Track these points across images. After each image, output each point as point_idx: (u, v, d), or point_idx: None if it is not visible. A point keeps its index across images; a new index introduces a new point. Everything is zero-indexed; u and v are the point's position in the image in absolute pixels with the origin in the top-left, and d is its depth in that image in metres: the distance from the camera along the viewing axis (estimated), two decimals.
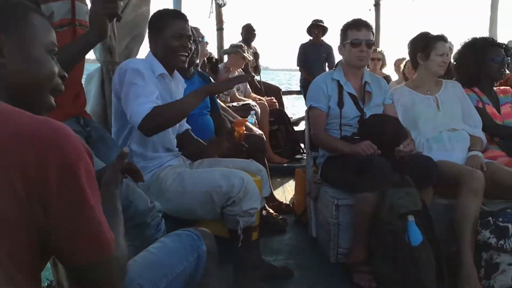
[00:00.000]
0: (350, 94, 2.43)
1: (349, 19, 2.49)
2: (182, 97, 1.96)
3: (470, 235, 2.00)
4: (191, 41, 1.98)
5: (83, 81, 2.06)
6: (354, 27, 2.38)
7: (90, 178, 0.77)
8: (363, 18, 2.47)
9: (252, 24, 5.50)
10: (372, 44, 2.41)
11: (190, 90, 2.50)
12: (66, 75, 0.95)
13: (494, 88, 2.72)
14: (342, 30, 2.45)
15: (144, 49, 2.64)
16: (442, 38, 2.49)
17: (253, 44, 5.55)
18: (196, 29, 2.55)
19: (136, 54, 2.51)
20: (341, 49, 2.47)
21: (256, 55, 5.52)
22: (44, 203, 0.73)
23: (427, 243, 1.89)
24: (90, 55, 2.33)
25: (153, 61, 1.93)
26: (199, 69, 2.90)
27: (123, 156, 1.06)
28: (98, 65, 2.31)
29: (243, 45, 4.55)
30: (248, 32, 5.42)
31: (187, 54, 1.95)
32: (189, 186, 1.85)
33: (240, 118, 3.23)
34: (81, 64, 1.78)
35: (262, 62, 5.77)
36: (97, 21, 1.51)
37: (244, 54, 4.40)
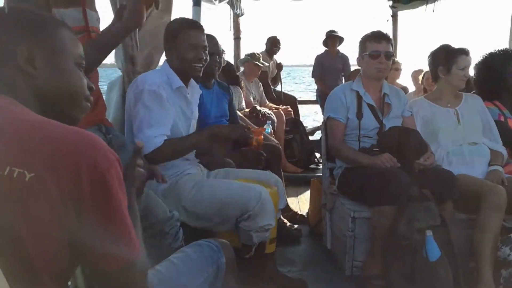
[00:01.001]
0: (369, 105, 2.42)
1: (366, 29, 2.50)
2: (189, 134, 1.97)
3: (490, 251, 1.96)
4: (206, 52, 1.98)
5: (104, 87, 2.10)
6: (373, 39, 2.38)
7: (121, 185, 0.80)
8: (382, 30, 2.47)
9: (278, 37, 5.51)
10: (391, 56, 2.40)
11: (210, 99, 2.55)
12: (94, 87, 0.98)
13: None
14: (361, 42, 2.45)
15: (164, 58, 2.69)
16: (463, 52, 2.47)
17: (276, 57, 5.59)
18: (214, 39, 2.58)
19: (157, 63, 2.54)
20: (359, 60, 2.47)
21: (279, 66, 5.55)
22: (77, 208, 0.75)
23: (445, 259, 1.87)
24: (108, 60, 2.38)
25: (170, 73, 1.94)
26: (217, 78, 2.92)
27: (138, 151, 1.08)
28: (118, 71, 2.35)
29: (256, 53, 4.58)
30: (273, 45, 5.46)
31: (201, 65, 1.95)
32: (206, 195, 1.87)
33: (256, 127, 3.24)
34: (96, 70, 1.80)
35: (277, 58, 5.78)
36: (136, 9, 1.54)
37: (256, 62, 4.42)
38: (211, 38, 2.52)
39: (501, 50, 2.67)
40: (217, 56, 2.51)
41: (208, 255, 1.16)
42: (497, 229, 2.00)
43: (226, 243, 1.23)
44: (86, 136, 0.78)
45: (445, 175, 2.15)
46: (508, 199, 2.04)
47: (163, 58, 2.60)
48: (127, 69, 2.26)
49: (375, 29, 2.47)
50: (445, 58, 2.49)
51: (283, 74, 5.96)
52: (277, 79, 5.62)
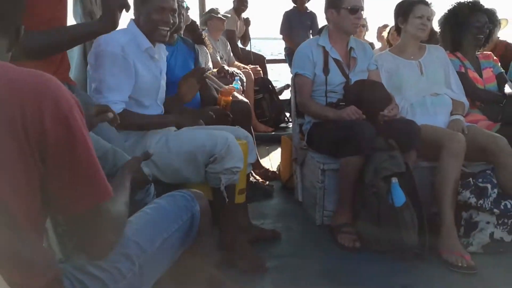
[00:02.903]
0: (335, 60, 2.43)
1: None
2: (152, 115, 1.95)
3: (451, 196, 2.06)
4: (175, 15, 1.93)
5: None
6: None
7: (84, 126, 0.82)
8: None
9: None
10: (363, 10, 2.41)
11: (175, 56, 2.48)
12: None
13: (477, 53, 2.76)
14: None
15: (126, 16, 2.58)
16: (421, 1, 2.49)
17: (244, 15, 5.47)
18: None
19: (120, 21, 2.44)
20: (332, 13, 2.42)
21: (247, 22, 5.42)
22: (42, 151, 0.77)
23: (410, 204, 1.96)
24: (71, 20, 2.28)
25: (136, 33, 1.89)
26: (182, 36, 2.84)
27: (147, 156, 1.25)
28: None
29: (213, 8, 4.46)
30: (240, 3, 5.32)
31: (168, 28, 1.91)
32: (173, 146, 1.87)
33: (225, 86, 3.21)
34: (65, 24, 1.73)
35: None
36: (109, 13, 1.47)
37: (219, 16, 4.32)
38: None
39: (466, 1, 2.70)
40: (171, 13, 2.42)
41: (182, 204, 1.17)
42: (457, 174, 2.09)
43: (200, 192, 1.25)
44: (48, 79, 0.79)
45: (409, 125, 2.22)
46: (468, 146, 2.13)
47: (123, 15, 2.52)
48: None
49: None
50: (404, 8, 2.52)
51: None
52: (246, 37, 5.52)
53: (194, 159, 1.85)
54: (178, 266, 1.18)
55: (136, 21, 1.92)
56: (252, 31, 5.63)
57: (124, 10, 1.51)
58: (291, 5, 5.71)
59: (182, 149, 1.86)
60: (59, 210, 0.85)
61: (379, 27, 5.06)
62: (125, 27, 1.95)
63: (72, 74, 2.00)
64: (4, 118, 0.74)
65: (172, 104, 2.09)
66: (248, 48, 5.45)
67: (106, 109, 1.28)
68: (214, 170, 1.85)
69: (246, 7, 5.38)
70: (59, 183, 0.80)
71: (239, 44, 5.48)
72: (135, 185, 1.24)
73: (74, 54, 2.20)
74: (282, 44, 5.90)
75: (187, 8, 3.36)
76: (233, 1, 5.36)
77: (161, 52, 2.04)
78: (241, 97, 3.10)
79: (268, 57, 6.14)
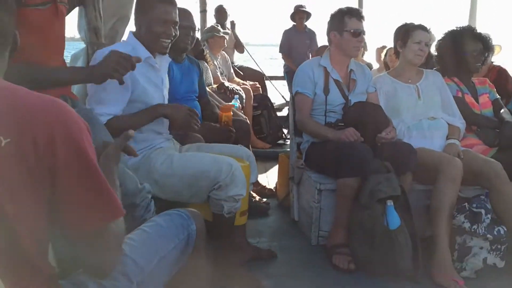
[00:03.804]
0: (336, 81, 2.47)
1: (333, 5, 2.51)
2: (136, 112, 1.91)
3: (446, 220, 2.08)
4: (176, 27, 1.95)
5: (68, 60, 2.04)
6: (355, 16, 2.40)
7: (92, 150, 0.84)
8: (346, 5, 2.49)
9: (223, 5, 5.48)
10: (365, 34, 2.46)
11: (181, 74, 2.53)
12: None
13: (472, 79, 2.81)
14: (336, 16, 2.45)
15: (129, 30, 2.63)
16: (420, 27, 2.54)
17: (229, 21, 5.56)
18: (190, 14, 2.53)
19: (122, 35, 2.49)
20: (334, 36, 2.46)
21: (232, 25, 5.48)
22: (52, 175, 0.78)
23: (405, 227, 1.97)
24: (75, 33, 2.31)
25: (136, 44, 1.90)
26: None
27: (127, 136, 1.11)
28: (82, 43, 2.28)
29: (214, 26, 4.54)
30: (221, 15, 5.41)
31: (169, 41, 1.92)
32: (177, 168, 1.87)
33: (224, 103, 3.25)
34: (63, 41, 1.75)
35: (242, 38, 5.75)
36: (102, 74, 1.53)
37: (220, 34, 4.39)
38: (187, 13, 2.49)
39: (462, 28, 2.75)
40: (191, 31, 2.47)
41: (178, 223, 1.19)
42: (453, 199, 2.11)
43: (196, 212, 1.27)
44: (59, 104, 0.81)
45: (405, 148, 2.25)
46: (463, 171, 2.16)
47: (127, 30, 2.56)
48: (91, 40, 2.19)
49: (345, 5, 2.48)
50: (403, 32, 2.57)
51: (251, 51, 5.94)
52: (238, 43, 5.58)
53: (197, 183, 1.85)
54: (173, 284, 1.19)
55: (136, 32, 1.94)
56: (250, 37, 5.74)
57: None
58: (290, 24, 5.79)
59: (186, 172, 1.86)
60: (67, 229, 0.86)
61: (377, 48, 5.13)
62: (125, 39, 1.98)
63: (75, 88, 2.03)
64: (16, 143, 0.75)
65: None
66: (242, 61, 5.52)
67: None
68: (217, 196, 1.86)
69: (226, 18, 5.45)
70: (68, 205, 0.82)
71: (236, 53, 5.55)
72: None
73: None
74: (276, 49, 5.97)
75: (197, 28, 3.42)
76: (214, 15, 5.45)
77: (162, 61, 2.04)
78: (240, 114, 3.13)
79: (263, 62, 6.21)
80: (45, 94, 0.98)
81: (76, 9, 2.18)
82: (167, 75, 2.11)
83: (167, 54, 2.03)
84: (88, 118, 1.71)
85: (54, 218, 0.82)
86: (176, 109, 1.92)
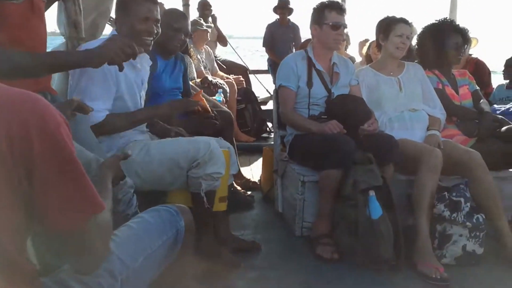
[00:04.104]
0: (319, 74, 2.48)
1: None
2: (136, 111, 1.95)
3: (427, 209, 2.12)
4: (158, 25, 1.94)
5: None
6: (335, 9, 2.41)
7: (71, 143, 0.82)
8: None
9: (208, 0, 5.42)
10: (346, 27, 2.48)
11: (166, 70, 2.52)
12: None
13: (452, 71, 2.86)
14: (318, 9, 2.47)
15: (108, 28, 2.61)
16: (402, 20, 2.58)
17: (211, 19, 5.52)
18: (187, 19, 2.54)
19: (103, 29, 2.46)
20: (315, 29, 2.48)
21: (214, 18, 5.43)
22: (29, 170, 0.77)
23: (387, 217, 2.00)
24: (56, 28, 2.28)
25: None
26: None
27: (126, 155, 1.33)
28: (62, 38, 2.25)
29: (197, 19, 4.50)
30: (204, 9, 5.37)
31: (151, 38, 1.92)
32: (155, 154, 1.88)
33: (208, 97, 3.24)
34: (44, 38, 1.73)
35: (225, 30, 5.73)
36: (98, 58, 1.48)
37: (203, 28, 4.36)
38: (182, 16, 2.51)
39: (442, 21, 2.79)
40: (183, 35, 2.47)
41: (166, 219, 1.18)
42: (433, 188, 2.16)
43: (185, 207, 1.26)
44: (33, 97, 0.79)
45: (387, 139, 2.28)
46: (444, 161, 2.20)
47: (107, 25, 2.54)
48: (71, 35, 2.16)
49: None
50: (385, 26, 2.60)
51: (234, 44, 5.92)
52: (221, 36, 5.54)
53: (177, 165, 1.86)
54: (161, 280, 1.18)
55: (118, 30, 1.92)
56: (234, 30, 5.71)
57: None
58: (274, 17, 5.79)
59: (164, 156, 1.87)
60: (47, 225, 0.84)
61: (360, 42, 5.17)
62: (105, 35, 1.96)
63: (54, 84, 2.00)
64: None
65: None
66: (230, 53, 5.49)
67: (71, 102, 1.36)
68: (195, 174, 1.86)
69: (210, 11, 5.41)
70: (46, 199, 0.80)
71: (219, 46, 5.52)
72: (114, 183, 1.27)
73: None
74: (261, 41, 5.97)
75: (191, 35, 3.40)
76: (197, 9, 5.41)
77: (143, 62, 2.04)
78: (223, 107, 3.13)
79: (248, 55, 6.21)
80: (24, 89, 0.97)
81: (56, 4, 2.14)
82: (147, 75, 2.09)
83: (147, 55, 2.03)
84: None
85: (33, 213, 0.81)
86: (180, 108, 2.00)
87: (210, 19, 5.38)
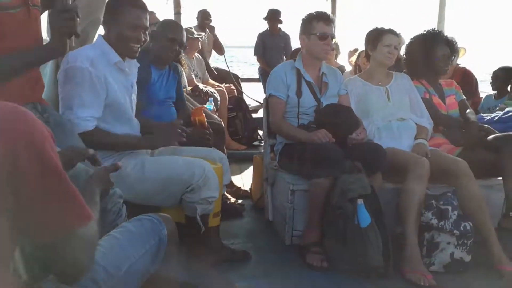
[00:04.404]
0: (308, 83, 2.51)
1: (306, 9, 2.56)
2: (128, 136, 1.95)
3: (415, 217, 2.15)
4: (146, 33, 1.95)
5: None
6: (322, 20, 2.45)
7: (57, 157, 0.82)
8: (320, 9, 2.55)
9: (208, 10, 5.46)
10: (334, 37, 2.51)
11: (161, 80, 2.53)
12: None
13: (440, 81, 2.90)
14: (306, 20, 2.51)
15: (96, 33, 2.60)
16: (390, 31, 2.62)
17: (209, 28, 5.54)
18: (183, 30, 2.56)
19: (93, 38, 2.45)
20: (304, 39, 2.52)
21: (211, 28, 5.42)
22: (14, 185, 0.76)
23: (375, 225, 2.03)
24: (46, 37, 2.27)
25: (105, 48, 1.89)
26: None
27: (116, 167, 1.29)
28: None
29: (188, 28, 4.52)
30: (204, 18, 5.39)
31: (139, 45, 1.92)
32: (150, 172, 1.88)
33: (199, 105, 3.25)
34: (39, 45, 1.73)
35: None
36: (58, 39, 1.49)
37: (194, 36, 4.38)
38: (180, 29, 2.54)
39: (430, 32, 2.83)
40: (177, 46, 2.49)
41: (149, 228, 1.18)
42: (421, 196, 2.19)
43: (167, 216, 1.27)
44: (19, 111, 0.78)
45: (375, 148, 2.31)
46: (430, 169, 2.24)
47: (98, 33, 2.53)
48: None
49: (318, 9, 2.54)
50: (374, 36, 2.65)
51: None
52: (218, 45, 5.55)
53: (170, 187, 1.86)
54: None
55: (106, 36, 1.93)
56: (228, 40, 5.71)
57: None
58: (265, 26, 5.84)
59: (158, 175, 1.87)
60: (33, 236, 0.84)
61: (350, 51, 5.22)
62: (93, 43, 1.96)
63: (44, 93, 2.00)
64: None
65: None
66: (222, 61, 5.51)
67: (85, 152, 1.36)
68: (190, 199, 1.87)
69: (210, 21, 5.44)
70: (32, 213, 0.79)
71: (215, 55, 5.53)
72: (103, 195, 1.27)
73: (46, 71, 2.20)
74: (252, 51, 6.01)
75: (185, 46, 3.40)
76: (196, 18, 5.43)
77: (131, 66, 2.04)
78: (215, 117, 3.14)
79: (242, 65, 6.23)
80: (16, 100, 0.97)
81: (46, 12, 2.15)
82: (135, 78, 2.10)
83: (135, 60, 2.04)
84: (58, 124, 1.71)
85: (19, 226, 0.80)
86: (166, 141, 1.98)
87: (209, 36, 5.40)
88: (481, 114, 3.23)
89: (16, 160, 0.75)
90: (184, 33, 2.59)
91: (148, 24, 1.94)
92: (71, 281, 0.94)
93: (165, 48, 2.44)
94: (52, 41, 1.52)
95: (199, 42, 4.52)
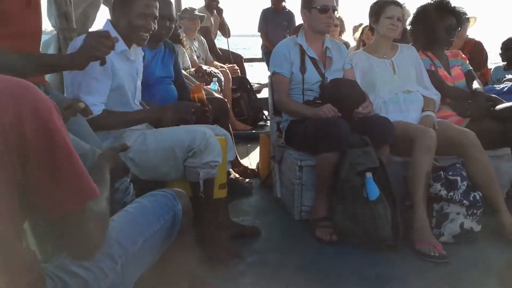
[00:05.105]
0: (312, 59, 2.48)
1: None
2: (133, 111, 1.96)
3: (423, 189, 2.14)
4: (156, 21, 1.94)
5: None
6: None
7: (64, 129, 0.82)
8: None
9: None
10: (336, 10, 2.46)
11: (156, 59, 2.50)
12: None
13: (446, 52, 2.85)
14: None
15: (100, 15, 2.59)
16: (393, 2, 2.57)
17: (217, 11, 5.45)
18: (170, 4, 2.49)
19: (93, 20, 2.45)
20: (305, 14, 2.48)
21: (220, 11, 5.34)
22: (22, 157, 0.76)
23: (384, 198, 2.02)
24: (45, 27, 2.27)
25: (113, 35, 1.88)
26: None
27: (125, 147, 1.30)
28: (50, 36, 2.24)
29: (187, 8, 4.46)
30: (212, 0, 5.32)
31: (148, 34, 1.92)
32: (151, 144, 1.89)
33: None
34: (40, 32, 1.73)
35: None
36: (83, 59, 1.50)
37: (192, 16, 4.32)
38: (166, 2, 2.46)
39: (435, 1, 2.77)
40: (168, 21, 2.43)
41: (163, 203, 1.18)
42: (428, 168, 2.17)
43: (182, 191, 1.26)
44: (24, 84, 0.79)
45: (382, 122, 2.29)
46: (438, 141, 2.21)
47: (99, 14, 2.51)
48: (62, 26, 2.15)
49: None
50: (377, 8, 2.60)
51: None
52: (224, 28, 5.49)
53: (173, 154, 1.87)
54: (160, 264, 1.19)
55: (114, 23, 1.92)
56: (231, 28, 5.64)
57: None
58: (269, 3, 5.74)
59: (160, 145, 1.88)
60: (42, 212, 0.84)
61: (354, 26, 5.14)
62: (101, 27, 1.95)
63: (47, 75, 2.00)
64: None
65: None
66: (226, 43, 5.44)
67: (75, 102, 1.33)
68: (192, 164, 1.87)
69: (217, 2, 5.36)
70: (41, 186, 0.80)
71: (221, 37, 5.46)
72: (115, 176, 1.27)
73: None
74: (260, 42, 5.94)
75: (176, 19, 3.35)
76: None
77: (137, 53, 2.05)
78: (217, 94, 3.12)
79: (246, 55, 6.17)
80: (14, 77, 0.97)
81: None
82: (142, 66, 2.09)
83: (141, 48, 2.03)
84: (60, 105, 1.70)
85: (28, 201, 0.81)
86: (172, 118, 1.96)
87: (215, 13, 5.32)
88: (489, 85, 3.18)
89: (23, 131, 0.75)
90: (173, 7, 2.52)
91: (157, 13, 1.92)
92: (84, 258, 0.95)
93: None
94: (77, 55, 1.51)
95: (196, 23, 4.44)
